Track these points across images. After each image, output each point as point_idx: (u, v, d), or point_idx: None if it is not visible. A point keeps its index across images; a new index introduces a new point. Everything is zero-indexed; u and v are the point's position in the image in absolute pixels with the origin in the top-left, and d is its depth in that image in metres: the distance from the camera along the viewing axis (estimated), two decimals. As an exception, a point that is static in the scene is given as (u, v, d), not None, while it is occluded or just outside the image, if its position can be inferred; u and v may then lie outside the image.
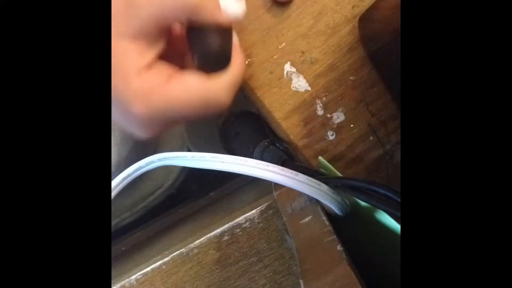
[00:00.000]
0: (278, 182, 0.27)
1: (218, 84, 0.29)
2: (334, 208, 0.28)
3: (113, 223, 0.55)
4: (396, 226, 0.27)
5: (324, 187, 0.28)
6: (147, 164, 0.33)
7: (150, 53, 0.27)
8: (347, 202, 0.29)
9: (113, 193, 0.33)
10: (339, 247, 0.24)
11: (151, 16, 0.26)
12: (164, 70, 0.28)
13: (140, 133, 0.29)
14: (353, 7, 0.35)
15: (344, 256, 0.23)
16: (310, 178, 0.27)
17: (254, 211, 0.30)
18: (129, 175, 0.34)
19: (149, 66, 0.27)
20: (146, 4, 0.26)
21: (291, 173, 0.27)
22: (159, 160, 0.33)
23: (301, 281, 0.23)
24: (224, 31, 0.29)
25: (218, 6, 0.28)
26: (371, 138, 0.38)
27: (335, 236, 0.25)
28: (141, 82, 0.26)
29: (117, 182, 0.33)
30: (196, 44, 0.29)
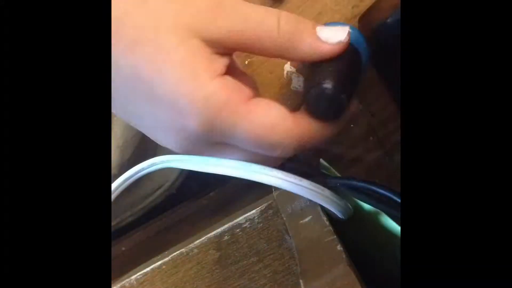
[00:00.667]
0: (282, 188, 0.27)
1: (297, 132, 0.24)
2: (336, 212, 0.28)
3: (113, 223, 0.55)
4: (396, 228, 0.27)
5: (327, 192, 0.28)
6: (149, 166, 0.33)
7: (222, 62, 0.23)
8: (350, 206, 0.29)
9: (115, 194, 0.33)
10: (339, 247, 0.24)
11: (235, 26, 0.22)
12: (242, 87, 0.23)
13: (175, 146, 0.25)
14: (353, 7, 0.35)
15: (344, 256, 0.23)
16: (313, 184, 0.27)
17: (254, 211, 0.30)
18: (131, 176, 0.34)
19: (224, 76, 0.23)
20: (234, 13, 0.22)
21: (295, 178, 0.27)
22: (162, 162, 0.33)
23: (301, 281, 0.23)
24: (351, 68, 0.25)
25: (316, 35, 0.24)
26: (371, 138, 0.38)
27: (335, 236, 0.25)
28: (216, 88, 0.22)
29: (119, 183, 0.33)
30: (312, 80, 0.25)
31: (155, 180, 0.59)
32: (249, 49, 0.24)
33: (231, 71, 0.24)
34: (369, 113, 0.37)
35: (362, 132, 0.38)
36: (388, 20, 0.30)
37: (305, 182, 0.27)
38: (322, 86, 0.23)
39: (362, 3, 0.35)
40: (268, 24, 0.23)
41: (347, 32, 0.25)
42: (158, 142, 0.26)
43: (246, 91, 0.23)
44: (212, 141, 0.24)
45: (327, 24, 0.32)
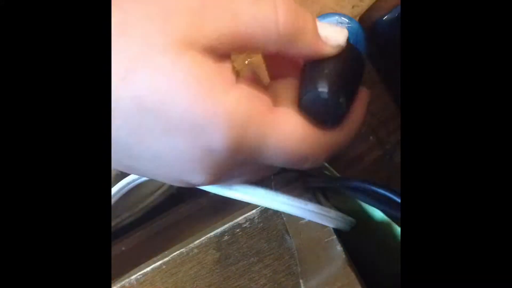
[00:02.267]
0: (289, 213, 0.27)
1: (330, 139, 0.22)
2: (342, 228, 0.28)
3: (113, 223, 0.55)
4: (396, 228, 0.27)
5: (333, 213, 0.27)
6: None
7: (227, 67, 0.20)
8: (354, 220, 0.29)
9: (117, 197, 0.33)
10: (339, 247, 0.24)
11: (225, 27, 0.19)
12: (261, 93, 0.21)
13: (203, 175, 0.21)
14: (353, 7, 0.35)
15: (344, 256, 0.23)
16: (319, 207, 0.27)
17: (254, 211, 0.30)
18: (134, 180, 0.34)
19: (237, 83, 0.20)
20: (221, 11, 0.19)
21: (301, 202, 0.27)
22: None
23: (301, 281, 0.23)
24: (351, 69, 0.23)
25: (317, 32, 0.22)
26: (371, 138, 0.38)
27: (335, 236, 0.25)
28: (236, 100, 0.19)
29: (121, 186, 0.33)
30: (307, 83, 0.23)
31: (155, 180, 0.58)
32: (246, 49, 0.21)
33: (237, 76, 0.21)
34: (369, 113, 0.37)
35: (362, 132, 0.38)
36: (385, 18, 0.30)
37: (310, 206, 0.27)
38: (318, 90, 0.21)
39: (362, 3, 0.35)
40: (265, 18, 0.20)
41: (346, 36, 0.23)
42: (182, 183, 0.23)
43: (265, 97, 0.21)
44: (239, 161, 0.21)
45: (325, 15, 0.32)
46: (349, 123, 0.24)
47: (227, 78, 0.20)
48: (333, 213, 0.27)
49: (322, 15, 0.32)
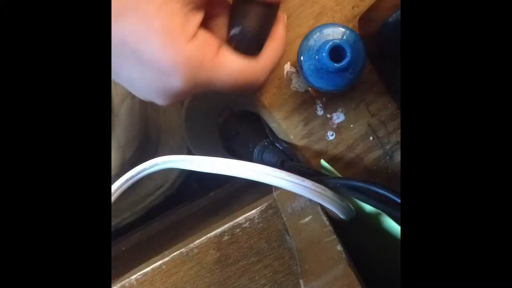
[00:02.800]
0: (285, 188, 0.27)
1: (259, 67, 0.29)
2: (338, 212, 0.28)
3: (113, 223, 0.55)
4: (397, 229, 0.27)
5: (329, 192, 0.28)
6: (151, 166, 0.33)
7: (196, 20, 0.26)
8: (352, 207, 0.29)
9: (117, 194, 0.33)
10: (339, 247, 0.24)
11: None
12: (211, 40, 0.27)
13: (163, 101, 0.28)
14: (353, 7, 0.35)
15: (344, 256, 0.23)
16: (315, 184, 0.27)
17: (254, 211, 0.30)
18: (132, 177, 0.34)
19: (196, 34, 0.26)
20: None
21: (297, 179, 0.27)
22: (164, 162, 0.33)
23: (301, 281, 0.23)
24: (268, 12, 0.28)
25: None
26: (371, 138, 0.38)
27: (335, 236, 0.25)
28: (193, 49, 0.25)
29: (121, 183, 0.33)
30: (236, 19, 0.28)
31: (155, 180, 0.59)
32: None
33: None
34: (369, 113, 0.37)
35: (362, 132, 0.38)
36: (390, 20, 0.30)
37: (307, 183, 0.27)
38: (243, 30, 0.28)
39: (362, 3, 0.35)
40: None
41: None
42: (148, 100, 0.30)
43: (213, 42, 0.27)
44: (195, 92, 0.28)
45: (326, 24, 0.32)
46: (273, 45, 0.30)
47: (190, 31, 0.25)
48: (329, 192, 0.28)
49: (319, 26, 0.32)
